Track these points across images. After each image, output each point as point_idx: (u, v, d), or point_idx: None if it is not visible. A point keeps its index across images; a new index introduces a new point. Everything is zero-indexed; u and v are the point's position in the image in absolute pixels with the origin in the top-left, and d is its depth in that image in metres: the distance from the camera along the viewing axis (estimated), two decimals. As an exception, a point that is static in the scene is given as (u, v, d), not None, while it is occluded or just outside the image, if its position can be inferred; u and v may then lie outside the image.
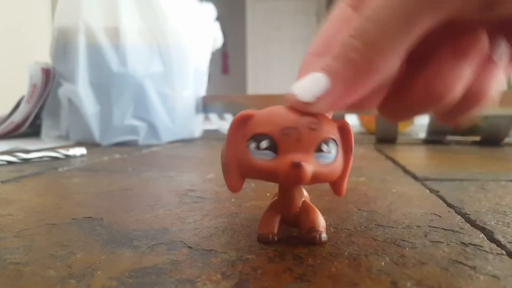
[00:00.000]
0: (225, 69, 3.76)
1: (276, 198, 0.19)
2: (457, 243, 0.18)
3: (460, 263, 0.15)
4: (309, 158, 0.15)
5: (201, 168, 0.42)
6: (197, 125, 0.81)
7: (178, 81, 0.71)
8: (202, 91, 0.83)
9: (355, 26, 0.15)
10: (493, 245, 0.17)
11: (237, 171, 0.16)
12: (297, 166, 0.14)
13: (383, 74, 0.15)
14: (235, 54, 3.64)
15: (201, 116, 0.84)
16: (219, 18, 0.88)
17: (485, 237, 0.18)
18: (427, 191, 0.29)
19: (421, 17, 0.14)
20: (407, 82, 0.16)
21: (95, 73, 0.66)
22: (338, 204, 0.25)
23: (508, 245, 0.17)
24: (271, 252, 0.16)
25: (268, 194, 0.28)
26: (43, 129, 0.77)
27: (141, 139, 0.68)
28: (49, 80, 0.78)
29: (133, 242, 0.18)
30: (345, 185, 0.17)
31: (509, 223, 0.21)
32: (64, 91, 0.69)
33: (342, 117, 0.74)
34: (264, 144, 0.15)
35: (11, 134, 0.78)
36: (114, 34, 0.65)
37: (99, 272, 0.14)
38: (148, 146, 0.66)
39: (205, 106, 0.82)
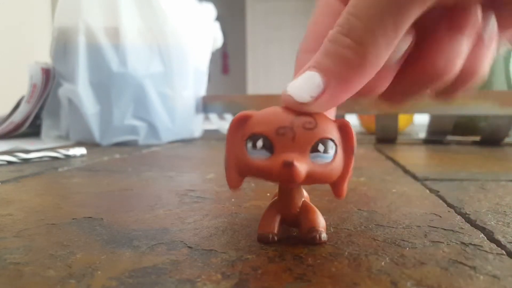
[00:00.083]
0: (225, 69, 3.76)
1: (276, 198, 0.19)
2: (457, 243, 0.18)
3: (460, 263, 0.15)
4: (304, 157, 0.15)
5: (201, 168, 0.42)
6: (197, 125, 0.81)
7: (178, 81, 0.71)
8: (202, 91, 0.83)
9: (342, 21, 0.15)
10: (493, 245, 0.17)
11: (236, 169, 0.17)
12: (288, 165, 0.14)
13: (379, 67, 0.15)
14: (235, 54, 3.64)
15: (201, 116, 0.84)
16: (219, 18, 0.88)
17: (485, 237, 0.18)
18: (427, 191, 0.29)
19: (411, 10, 0.14)
20: (405, 62, 0.16)
21: (95, 73, 0.66)
22: (338, 204, 0.25)
23: (508, 245, 0.17)
24: (271, 252, 0.17)
25: (268, 194, 0.28)
26: (43, 129, 0.77)
27: (141, 139, 0.68)
28: (49, 80, 0.78)
29: (133, 242, 0.18)
30: (346, 187, 0.17)
31: (509, 223, 0.21)
32: (64, 91, 0.69)
33: (342, 117, 0.74)
34: (260, 143, 0.15)
35: (11, 134, 0.78)
36: (114, 34, 0.65)
37: (99, 272, 0.14)
38: (148, 146, 0.66)
39: (205, 106, 0.82)
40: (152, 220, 0.22)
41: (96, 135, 0.66)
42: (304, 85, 0.15)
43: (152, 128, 0.69)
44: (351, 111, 0.71)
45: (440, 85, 0.16)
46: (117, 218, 0.22)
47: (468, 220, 0.21)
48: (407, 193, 0.28)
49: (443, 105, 0.66)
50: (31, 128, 0.80)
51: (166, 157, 0.51)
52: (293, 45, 3.09)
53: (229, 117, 0.89)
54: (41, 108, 0.79)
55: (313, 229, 0.17)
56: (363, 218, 0.22)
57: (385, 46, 0.14)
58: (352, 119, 1.09)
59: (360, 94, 0.16)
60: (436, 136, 0.71)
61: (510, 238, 0.18)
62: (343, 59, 0.14)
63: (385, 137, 0.72)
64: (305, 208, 0.18)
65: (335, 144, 0.16)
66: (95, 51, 0.65)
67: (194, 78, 0.76)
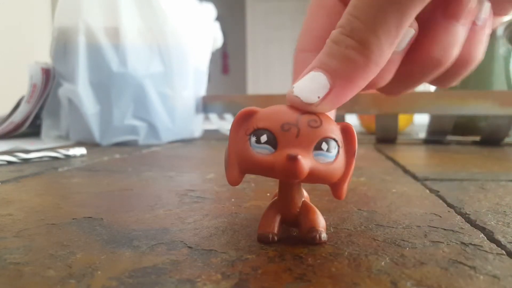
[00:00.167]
0: (225, 69, 3.76)
1: (276, 198, 0.19)
2: (457, 243, 0.18)
3: (460, 263, 0.15)
4: (307, 154, 0.15)
5: (201, 168, 0.42)
6: (197, 125, 0.81)
7: (178, 81, 0.71)
8: (202, 91, 0.83)
9: (343, 22, 0.15)
10: (493, 245, 0.17)
11: (237, 165, 0.17)
12: (292, 159, 0.14)
13: (383, 64, 0.15)
14: (235, 54, 3.64)
15: (201, 116, 0.84)
16: (219, 18, 0.88)
17: (485, 237, 0.18)
18: (427, 191, 0.29)
19: (411, 7, 0.14)
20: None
21: (95, 73, 0.66)
22: (338, 204, 0.25)
23: (508, 245, 0.17)
24: (271, 252, 0.17)
25: (268, 194, 0.28)
26: (43, 129, 0.77)
27: (141, 139, 0.68)
28: (49, 80, 0.78)
29: (133, 242, 0.18)
30: (346, 188, 0.17)
31: (509, 223, 0.21)
32: (64, 91, 0.69)
33: (342, 117, 0.74)
34: (264, 138, 0.15)
35: (11, 134, 0.78)
36: (114, 34, 0.65)
37: (99, 272, 0.14)
38: (148, 146, 0.66)
39: (205, 106, 0.82)
40: (152, 220, 0.22)
41: (96, 135, 0.66)
42: (310, 86, 0.15)
43: (152, 128, 0.69)
44: (351, 111, 0.71)
45: (438, 74, 0.17)
46: (117, 218, 0.22)
47: (468, 220, 0.21)
48: (407, 193, 0.28)
49: (443, 105, 0.66)
50: (31, 128, 0.80)
51: (166, 157, 0.51)
52: (293, 45, 3.06)
53: (229, 117, 0.89)
54: (41, 108, 0.79)
55: (313, 229, 0.17)
56: (363, 218, 0.22)
57: (388, 45, 0.14)
58: (352, 119, 1.09)
59: (364, 88, 0.17)
60: (436, 136, 0.71)
61: (510, 238, 0.18)
62: (348, 59, 0.15)
63: (385, 137, 0.72)
64: (305, 208, 0.18)
65: (338, 145, 0.16)
66: (95, 51, 0.65)
67: (194, 78, 0.76)
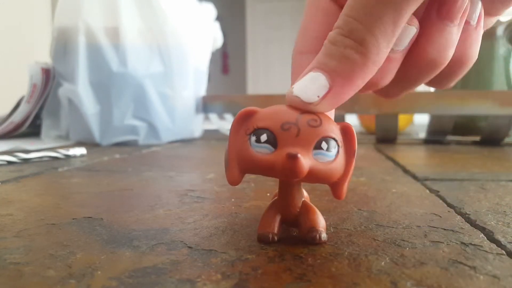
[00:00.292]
0: (225, 69, 3.76)
1: (276, 198, 0.19)
2: (457, 243, 0.18)
3: (460, 263, 0.15)
4: (307, 153, 0.15)
5: (201, 168, 0.42)
6: (197, 125, 0.81)
7: (178, 81, 0.71)
8: (202, 91, 0.83)
9: (341, 23, 0.15)
10: (493, 245, 0.17)
11: (237, 165, 0.17)
12: (292, 158, 0.14)
13: (380, 63, 0.15)
14: (235, 54, 3.64)
15: (201, 116, 0.84)
16: (219, 18, 0.88)
17: (485, 237, 0.18)
18: (427, 191, 0.29)
19: (406, 7, 0.14)
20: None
21: (95, 73, 0.66)
22: (338, 204, 0.25)
23: (508, 245, 0.17)
24: (271, 252, 0.17)
25: (268, 194, 0.28)
26: (43, 129, 0.77)
27: (141, 139, 0.68)
28: (49, 80, 0.78)
29: (133, 242, 0.18)
30: (345, 188, 0.17)
31: (509, 223, 0.21)
32: (64, 91, 0.69)
33: (342, 117, 0.74)
34: (264, 137, 0.15)
35: (11, 134, 0.78)
36: (114, 34, 0.65)
37: (99, 272, 0.14)
38: (148, 146, 0.66)
39: (205, 106, 0.82)
40: (152, 220, 0.22)
41: (96, 135, 0.66)
42: (310, 86, 0.15)
43: (152, 128, 0.69)
44: (351, 111, 0.71)
45: (434, 75, 0.17)
46: (117, 218, 0.22)
47: (468, 220, 0.21)
48: (407, 193, 0.28)
49: (443, 105, 0.66)
50: (31, 128, 0.80)
51: (166, 157, 0.51)
52: (293, 45, 3.08)
53: (229, 117, 0.89)
54: (41, 108, 0.79)
55: (313, 229, 0.17)
56: (363, 218, 0.22)
57: (385, 43, 0.15)
58: (352, 119, 1.09)
59: (365, 88, 0.17)
60: (436, 136, 0.71)
61: (510, 238, 0.18)
62: (346, 59, 0.15)
63: (385, 137, 0.72)
64: (305, 208, 0.18)
65: (338, 144, 0.16)
66: (95, 51, 0.65)
67: (194, 78, 0.76)
